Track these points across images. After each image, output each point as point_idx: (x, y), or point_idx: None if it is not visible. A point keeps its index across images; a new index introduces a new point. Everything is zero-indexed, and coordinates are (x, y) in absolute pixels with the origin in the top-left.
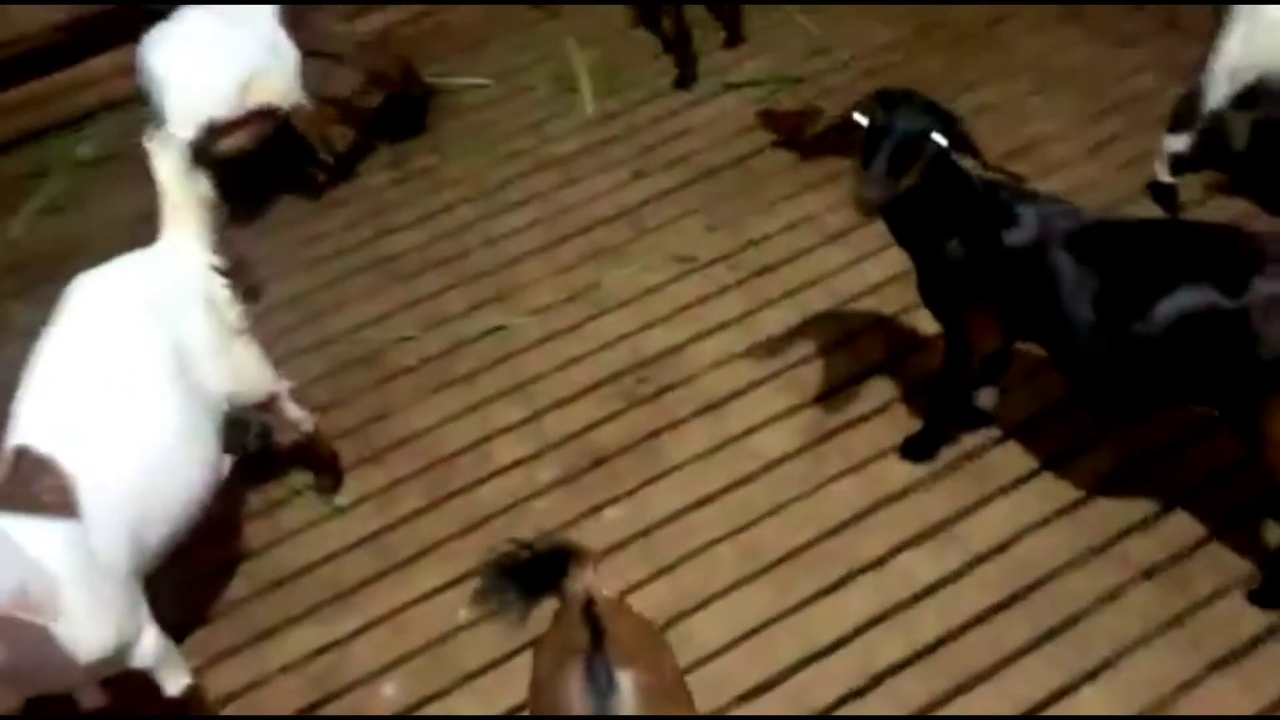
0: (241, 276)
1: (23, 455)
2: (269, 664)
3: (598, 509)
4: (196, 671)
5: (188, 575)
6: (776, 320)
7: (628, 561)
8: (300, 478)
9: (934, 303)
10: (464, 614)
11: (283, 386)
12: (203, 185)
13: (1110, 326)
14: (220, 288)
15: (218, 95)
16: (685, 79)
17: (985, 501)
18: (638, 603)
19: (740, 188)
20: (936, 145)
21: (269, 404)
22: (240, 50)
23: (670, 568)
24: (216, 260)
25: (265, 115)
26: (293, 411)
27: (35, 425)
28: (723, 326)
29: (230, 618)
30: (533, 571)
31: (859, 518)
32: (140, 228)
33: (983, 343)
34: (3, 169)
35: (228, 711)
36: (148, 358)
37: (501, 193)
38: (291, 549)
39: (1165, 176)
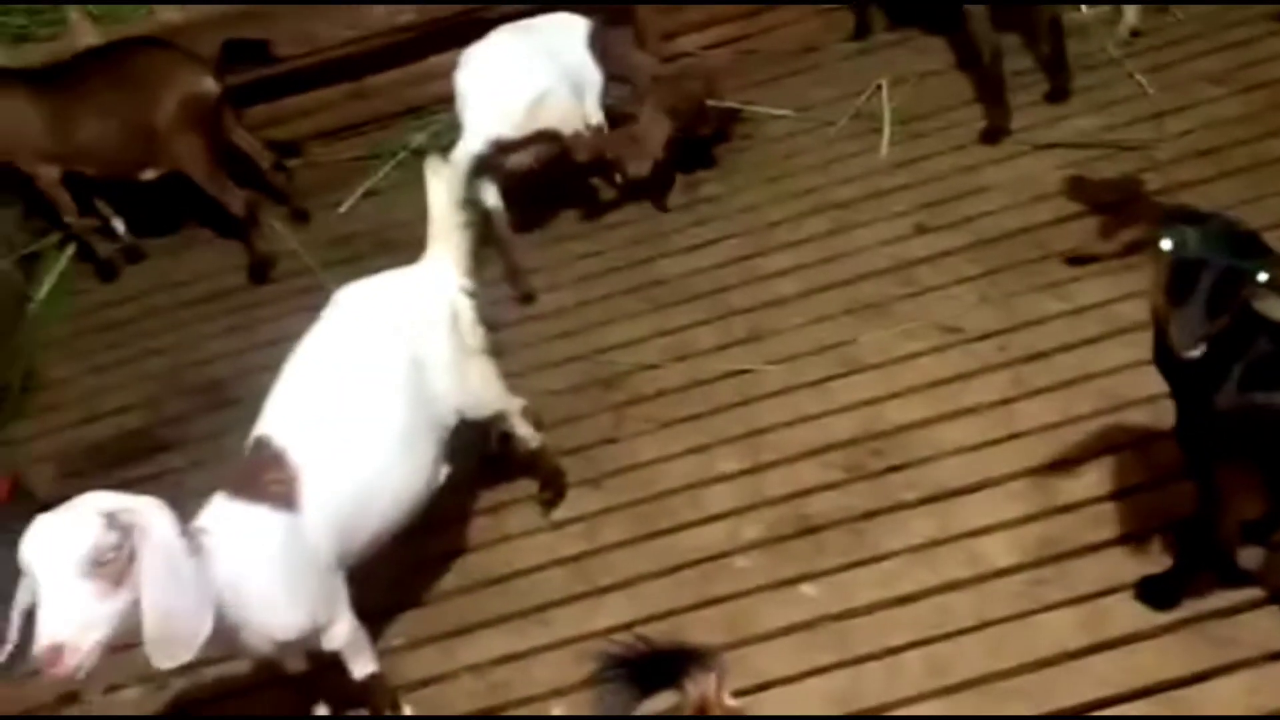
0: (517, 284)
1: (261, 445)
2: (457, 661)
3: (795, 581)
4: (395, 652)
5: (411, 558)
6: (1035, 414)
7: (813, 643)
8: (527, 486)
9: (1191, 449)
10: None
11: (514, 405)
12: (467, 213)
13: None
14: (466, 309)
15: (507, 116)
16: (993, 133)
17: (1222, 671)
18: (813, 690)
19: (1028, 260)
20: (1258, 284)
21: (499, 420)
22: (535, 73)
23: (854, 662)
24: (468, 283)
25: (548, 137)
26: (521, 428)
27: (278, 419)
28: (973, 411)
29: (436, 607)
30: (653, 668)
31: (1069, 657)
32: None
33: (1240, 506)
34: (343, 151)
35: (410, 699)
36: (386, 370)
37: (776, 230)
38: (505, 552)
39: None
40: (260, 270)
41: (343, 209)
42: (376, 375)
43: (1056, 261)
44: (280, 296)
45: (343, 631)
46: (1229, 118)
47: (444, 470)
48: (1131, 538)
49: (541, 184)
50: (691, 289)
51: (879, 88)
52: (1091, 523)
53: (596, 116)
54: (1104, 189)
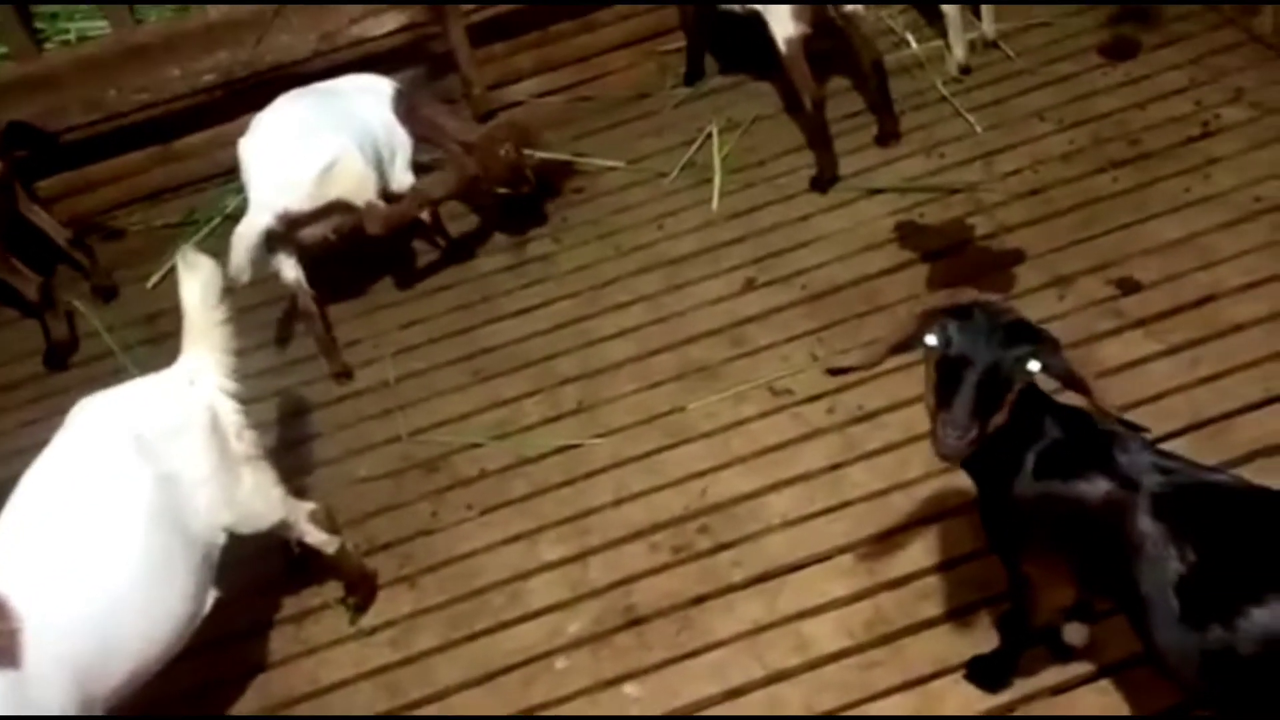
0: (330, 360)
1: None
2: None
3: (618, 680)
4: None
5: (203, 678)
6: (863, 481)
7: None
8: (336, 589)
9: (995, 540)
10: None
11: (299, 511)
12: (221, 309)
13: (1192, 622)
14: (229, 413)
15: (294, 187)
16: (822, 181)
17: None
18: None
19: (859, 313)
20: (1030, 375)
21: (282, 529)
22: (324, 140)
23: None
24: (229, 384)
25: (343, 208)
26: (313, 535)
27: None
28: (804, 479)
29: None
30: None
31: None
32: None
33: (1049, 595)
34: (155, 219)
35: None
36: (125, 493)
37: (608, 291)
38: (310, 666)
39: None
40: (57, 356)
41: (151, 283)
42: (113, 499)
43: (885, 315)
44: (80, 383)
45: None
46: (1056, 155)
47: (211, 595)
48: (961, 612)
49: (354, 249)
50: (520, 357)
51: (709, 136)
52: (921, 597)
53: (406, 179)
54: (934, 236)
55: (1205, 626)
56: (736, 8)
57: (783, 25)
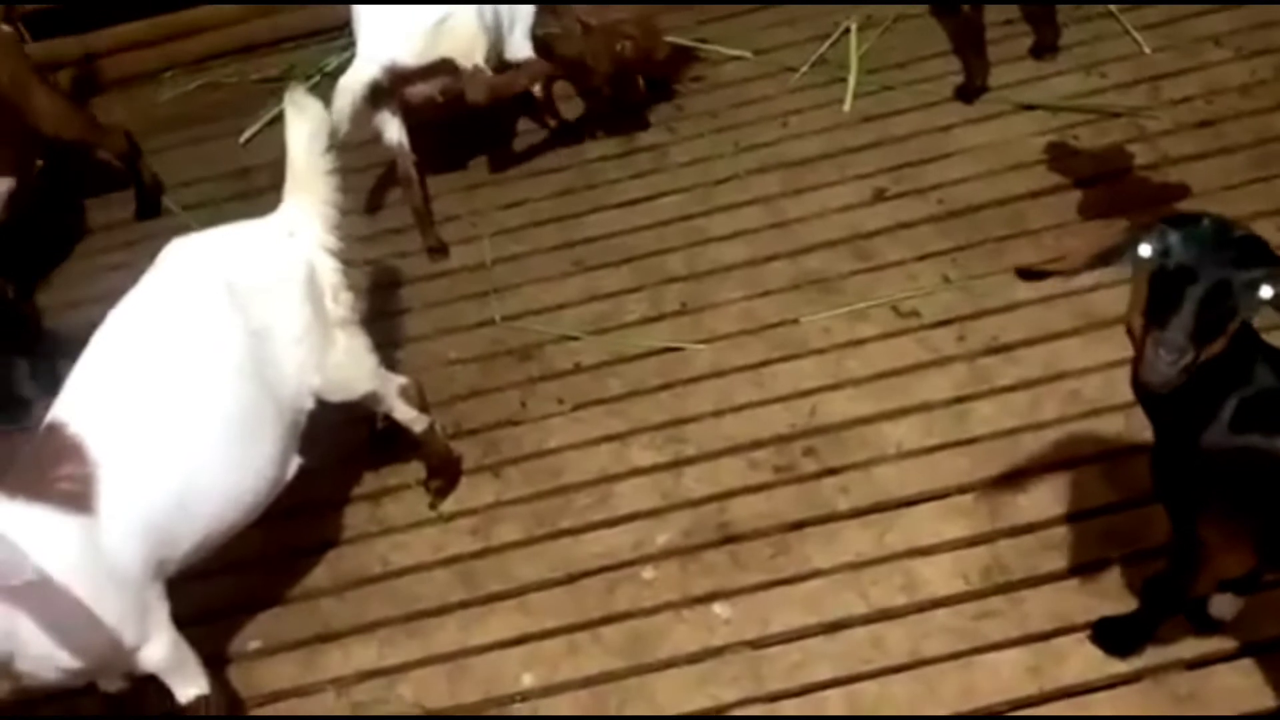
0: (425, 234)
1: (51, 434)
2: (321, 673)
3: (708, 599)
4: (249, 658)
5: (275, 548)
6: (992, 417)
7: (721, 674)
8: (417, 470)
9: (1169, 494)
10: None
11: (390, 385)
12: (328, 158)
13: None
14: (329, 272)
15: (406, 39)
16: (969, 90)
17: None
18: None
19: (998, 237)
20: (1260, 302)
21: (370, 402)
22: None
23: (765, 699)
24: (332, 241)
25: (453, 69)
26: (401, 411)
27: (77, 402)
28: (925, 408)
29: (302, 608)
30: None
31: (1011, 707)
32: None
33: (1223, 564)
34: (251, 72)
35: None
36: (215, 344)
37: (722, 189)
38: (383, 547)
39: None
40: (149, 203)
41: (243, 139)
42: (201, 350)
43: (1029, 241)
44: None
45: (158, 652)
46: (1233, 85)
47: (294, 462)
48: (1089, 567)
49: (460, 119)
50: (623, 250)
51: (847, 31)
52: (1048, 548)
53: (523, 50)
54: (1088, 161)
55: None
56: None
57: None
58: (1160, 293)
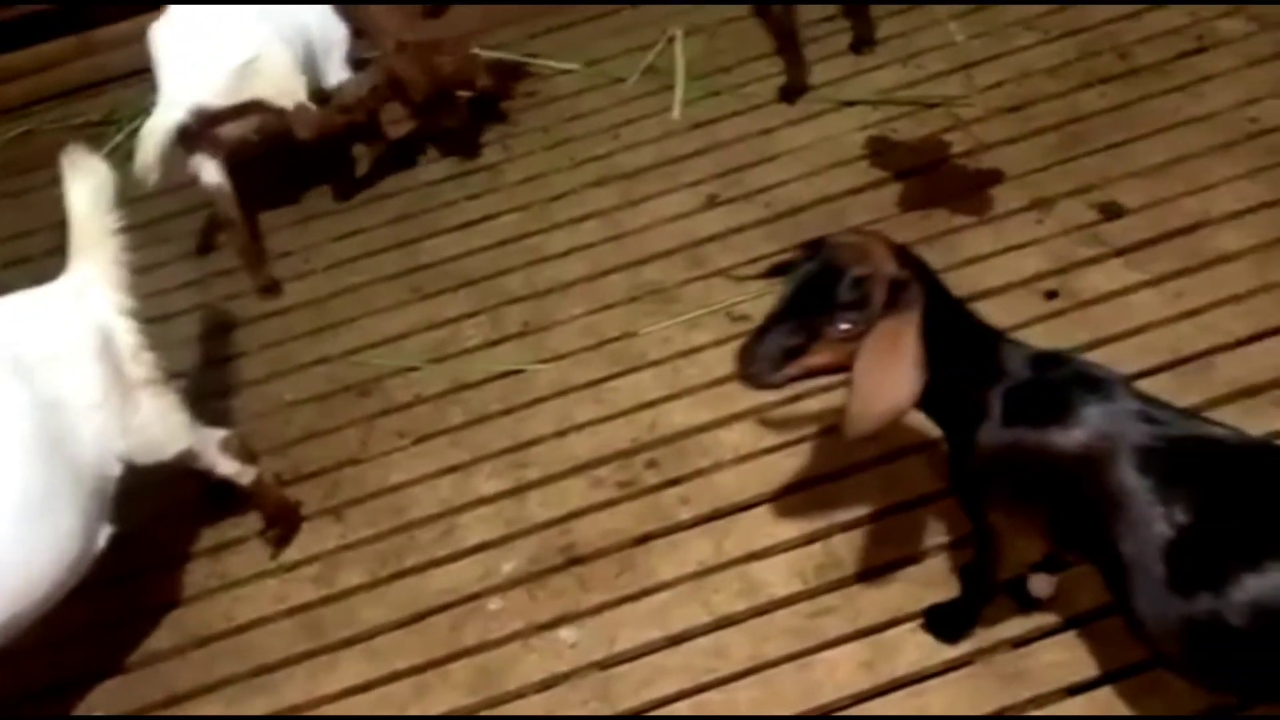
0: (255, 273)
1: None
2: None
3: (554, 624)
4: None
5: (113, 614)
6: (822, 415)
7: (570, 699)
8: (256, 521)
9: (960, 490)
10: None
11: (207, 439)
12: (113, 216)
13: (1179, 587)
14: (125, 333)
15: (210, 81)
16: (790, 90)
17: (1010, 711)
18: None
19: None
20: (839, 332)
21: (188, 459)
22: (246, 31)
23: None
24: (125, 300)
25: (268, 108)
26: (225, 465)
27: None
28: (758, 411)
29: (144, 674)
30: None
31: (848, 703)
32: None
33: (1016, 549)
34: (77, 114)
35: None
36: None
37: (559, 205)
38: (225, 602)
39: None
40: None
41: None
42: None
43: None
44: None
45: None
46: (1041, 68)
47: (105, 531)
48: (919, 557)
49: (286, 152)
50: (461, 274)
51: (672, 39)
52: (877, 540)
53: (341, 77)
54: (907, 153)
55: (1193, 594)
56: None
57: None
58: (777, 303)
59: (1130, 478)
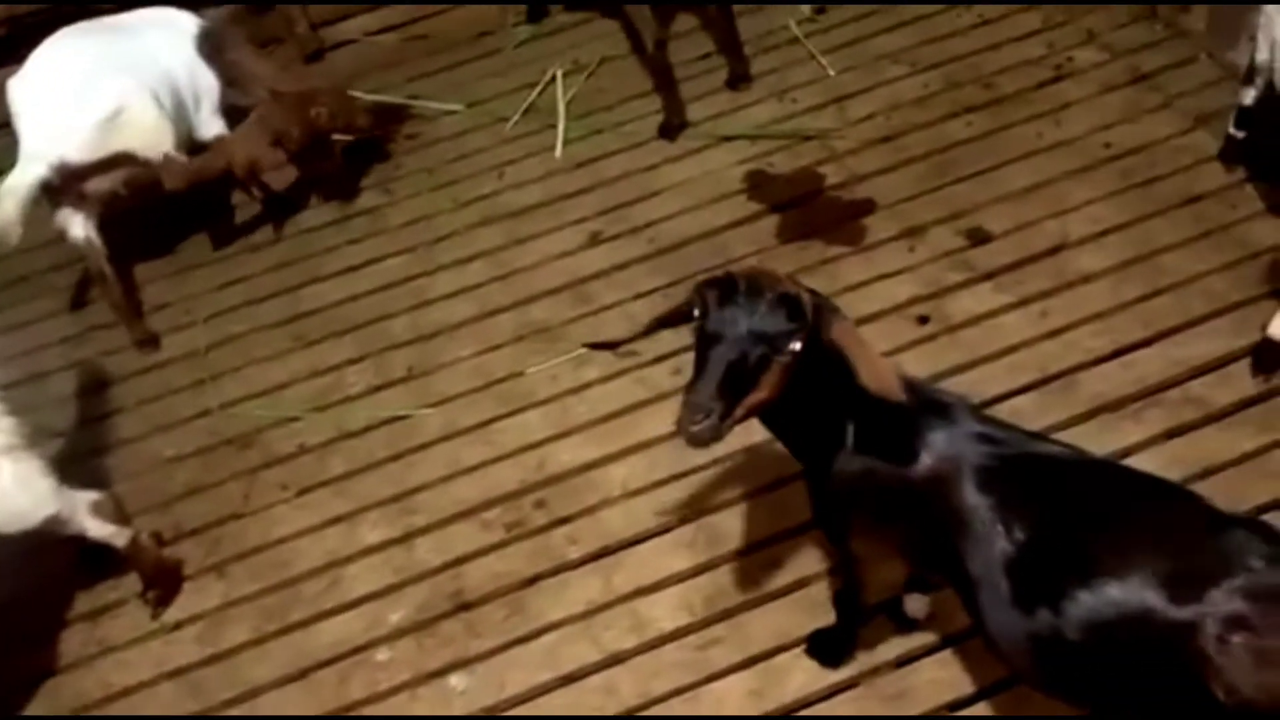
0: (131, 327)
1: None
2: None
3: (443, 672)
4: None
5: None
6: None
7: None
8: (135, 583)
9: (820, 516)
10: None
11: (74, 503)
12: None
13: (1021, 603)
14: None
15: (71, 135)
16: (669, 128)
17: None
18: None
19: (707, 269)
20: (790, 355)
21: (55, 527)
22: (108, 84)
23: None
24: None
25: (135, 160)
26: (96, 529)
27: None
28: (645, 447)
29: None
30: None
31: None
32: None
33: (880, 572)
34: None
35: None
36: None
37: (444, 247)
38: (105, 668)
39: (1233, 130)
40: None
41: None
42: None
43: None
44: None
45: None
46: (910, 99)
47: None
48: (805, 583)
49: (159, 203)
50: (345, 320)
51: (553, 79)
52: (764, 568)
53: (214, 127)
54: (784, 186)
55: (1033, 610)
56: None
57: None
58: (699, 353)
59: (972, 497)
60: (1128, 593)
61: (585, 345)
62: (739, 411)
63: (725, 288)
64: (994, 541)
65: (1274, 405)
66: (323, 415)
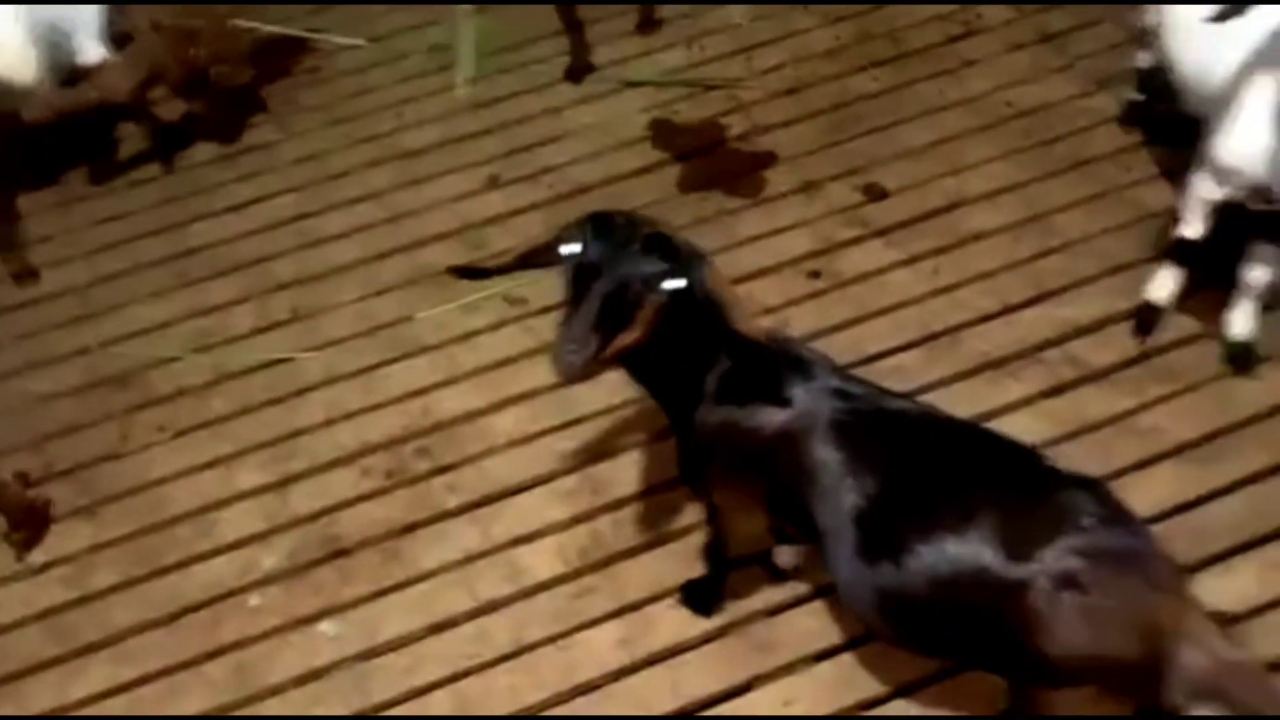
0: (10, 259)
1: None
2: None
3: (315, 618)
4: None
5: None
6: (593, 397)
7: (327, 693)
8: (2, 523)
9: (682, 467)
10: None
11: None
12: None
13: (867, 557)
14: None
15: None
16: (575, 71)
17: (761, 681)
18: None
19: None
20: (665, 294)
21: None
22: None
23: (370, 711)
24: None
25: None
26: None
27: None
28: (530, 396)
29: None
30: None
31: (608, 679)
32: None
33: (742, 523)
34: None
35: None
36: None
37: (336, 185)
38: None
39: (1132, 94)
40: None
41: None
42: None
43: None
44: None
45: None
46: (818, 51)
47: None
48: (680, 533)
49: (47, 132)
50: (229, 259)
51: (459, 17)
52: (641, 519)
53: (95, 54)
54: (688, 135)
55: (877, 562)
56: None
57: None
58: (574, 288)
59: (825, 452)
60: (965, 549)
61: (449, 269)
62: (610, 350)
63: (602, 225)
64: (843, 495)
65: (1151, 366)
66: (204, 356)
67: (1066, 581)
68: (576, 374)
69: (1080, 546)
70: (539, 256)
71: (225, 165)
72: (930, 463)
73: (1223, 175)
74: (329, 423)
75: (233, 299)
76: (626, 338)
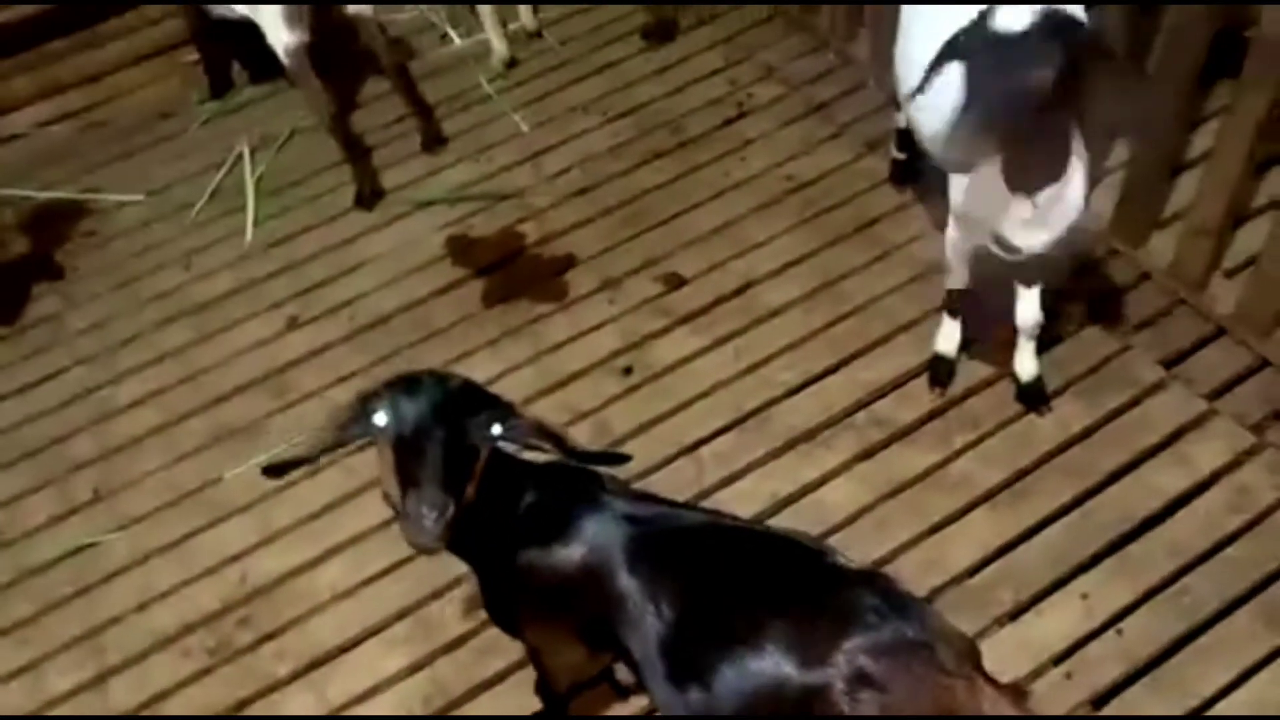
0: None
1: None
2: None
3: None
4: None
5: None
6: None
7: None
8: None
9: (493, 614)
10: None
11: None
12: None
13: (676, 681)
14: None
15: None
16: (364, 198)
17: None
18: None
19: (412, 343)
20: (494, 439)
21: None
22: None
23: None
24: None
25: None
26: None
27: None
28: (354, 542)
29: None
30: None
31: None
32: None
33: (562, 659)
34: None
35: None
36: None
37: (127, 351)
38: None
39: (895, 152)
40: None
41: None
42: None
43: (440, 340)
44: None
45: None
46: (602, 150)
47: None
48: (523, 663)
49: None
50: (21, 444)
51: (240, 156)
52: (480, 655)
53: None
54: (485, 248)
55: (685, 688)
56: (229, 12)
57: (277, 32)
58: (404, 456)
59: (624, 581)
60: (764, 663)
61: (261, 469)
62: (460, 507)
63: (409, 386)
64: (647, 622)
65: (951, 417)
66: (1, 553)
67: (862, 680)
68: (440, 538)
69: (869, 645)
70: (348, 431)
71: (7, 346)
72: (721, 578)
73: (965, 225)
74: (142, 607)
75: (27, 488)
76: (470, 490)
